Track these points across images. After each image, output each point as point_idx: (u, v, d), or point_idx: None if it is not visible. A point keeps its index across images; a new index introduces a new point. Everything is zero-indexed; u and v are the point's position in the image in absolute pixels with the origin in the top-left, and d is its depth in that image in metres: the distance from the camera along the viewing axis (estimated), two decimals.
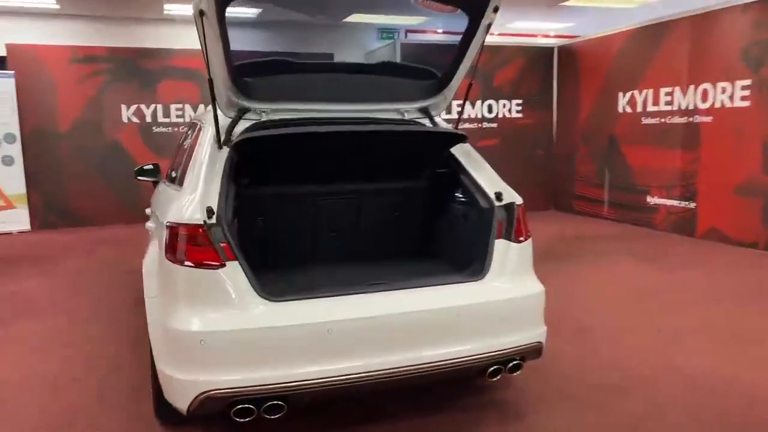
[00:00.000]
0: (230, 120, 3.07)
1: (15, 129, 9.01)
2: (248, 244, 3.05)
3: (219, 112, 2.98)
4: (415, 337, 2.64)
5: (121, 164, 9.12)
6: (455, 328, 2.71)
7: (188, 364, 2.48)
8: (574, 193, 10.07)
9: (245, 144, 2.85)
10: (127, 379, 3.60)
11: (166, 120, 9.69)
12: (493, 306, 2.82)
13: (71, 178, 9.35)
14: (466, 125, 9.92)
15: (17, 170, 9.09)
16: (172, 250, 2.58)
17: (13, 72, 8.96)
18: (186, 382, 2.47)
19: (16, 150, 9.06)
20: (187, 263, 2.52)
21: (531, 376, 3.41)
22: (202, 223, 2.54)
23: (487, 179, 3.19)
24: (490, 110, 10.11)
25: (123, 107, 9.51)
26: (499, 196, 3.07)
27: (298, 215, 3.50)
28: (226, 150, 2.92)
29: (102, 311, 5.03)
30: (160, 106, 9.66)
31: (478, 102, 10.00)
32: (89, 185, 9.37)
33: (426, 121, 3.47)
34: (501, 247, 2.96)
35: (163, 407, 2.80)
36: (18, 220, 9.13)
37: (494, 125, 10.16)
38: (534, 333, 2.93)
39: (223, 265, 2.51)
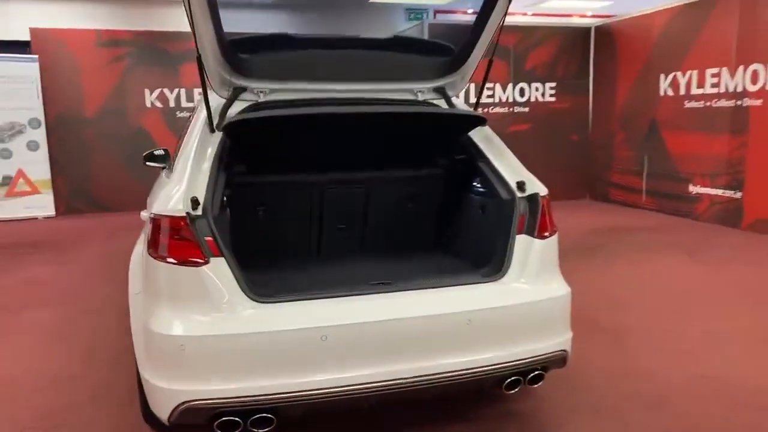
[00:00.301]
0: (224, 101, 2.82)
1: (39, 114, 8.98)
2: (247, 238, 2.81)
3: (212, 93, 2.72)
4: (421, 345, 2.35)
5: (144, 150, 8.94)
6: (468, 335, 2.41)
7: (168, 371, 2.25)
8: (611, 182, 9.61)
9: (238, 127, 2.59)
10: (126, 378, 3.40)
11: (190, 104, 9.53)
12: (512, 310, 2.50)
13: (95, 163, 9.30)
14: (497, 110, 9.54)
15: (42, 155, 9.08)
16: (154, 245, 2.34)
17: (36, 56, 8.91)
18: (165, 391, 2.24)
19: (40, 135, 9.04)
20: (169, 259, 2.28)
21: (554, 384, 3.09)
22: (184, 215, 2.29)
23: (509, 167, 2.86)
24: (521, 94, 9.68)
25: (147, 92, 9.41)
26: (521, 186, 2.75)
27: (301, 206, 3.22)
28: (219, 134, 2.67)
29: (110, 301, 4.87)
30: (183, 91, 9.52)
31: (509, 85, 9.56)
32: (113, 171, 9.30)
33: (442, 102, 3.15)
34: (522, 243, 2.63)
35: (151, 413, 2.58)
36: (43, 205, 9.14)
37: (526, 110, 9.73)
38: (558, 340, 2.61)
39: (206, 262, 2.26)
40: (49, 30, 9.15)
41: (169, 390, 2.23)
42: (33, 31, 9.03)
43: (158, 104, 9.47)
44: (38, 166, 9.07)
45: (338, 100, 2.96)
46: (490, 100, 9.50)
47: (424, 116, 3.00)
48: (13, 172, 8.97)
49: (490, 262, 2.70)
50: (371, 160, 3.22)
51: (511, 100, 9.65)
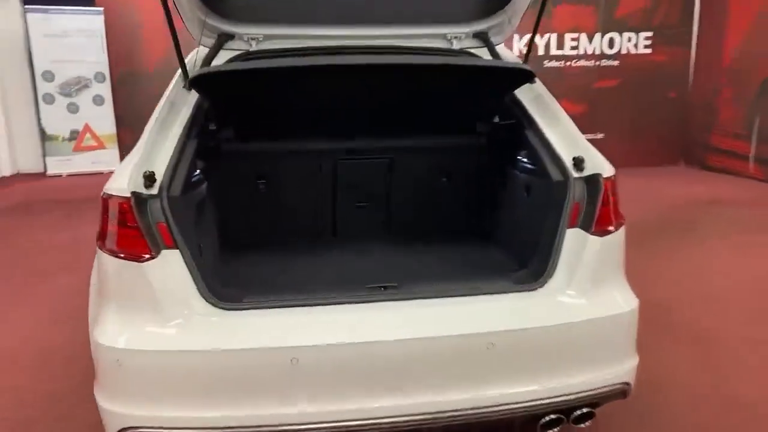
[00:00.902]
0: (207, 51, 2.32)
1: (105, 68, 8.95)
2: (243, 218, 2.36)
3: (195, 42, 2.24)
4: (423, 375, 1.80)
5: None
6: (488, 364, 1.83)
7: (110, 389, 1.84)
8: (711, 146, 8.52)
9: (208, 83, 2.08)
10: None
11: None
12: (552, 332, 1.89)
13: None
14: (581, 63, 8.56)
15: (107, 110, 9.10)
16: (101, 234, 1.91)
17: (102, 9, 8.80)
18: (107, 412, 1.84)
19: (106, 89, 9.03)
20: (116, 253, 1.84)
21: (611, 410, 2.44)
22: (128, 195, 1.83)
23: (564, 137, 2.20)
24: (611, 45, 8.62)
25: None
26: (578, 163, 2.08)
27: (309, 179, 2.70)
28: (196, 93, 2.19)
29: None
30: None
31: (597, 35, 8.53)
32: None
33: (484, 52, 2.49)
34: (574, 240, 1.99)
35: None
36: (108, 160, 9.16)
37: (615, 63, 8.71)
38: (617, 371, 1.98)
39: (153, 256, 1.79)
40: None
41: (111, 412, 1.82)
42: None
43: None
44: (104, 121, 9.10)
45: (350, 48, 2.38)
46: (574, 53, 8.53)
47: (458, 69, 2.36)
48: (80, 127, 9.05)
49: (531, 262, 2.09)
50: (395, 125, 2.63)
51: (598, 52, 8.66)
